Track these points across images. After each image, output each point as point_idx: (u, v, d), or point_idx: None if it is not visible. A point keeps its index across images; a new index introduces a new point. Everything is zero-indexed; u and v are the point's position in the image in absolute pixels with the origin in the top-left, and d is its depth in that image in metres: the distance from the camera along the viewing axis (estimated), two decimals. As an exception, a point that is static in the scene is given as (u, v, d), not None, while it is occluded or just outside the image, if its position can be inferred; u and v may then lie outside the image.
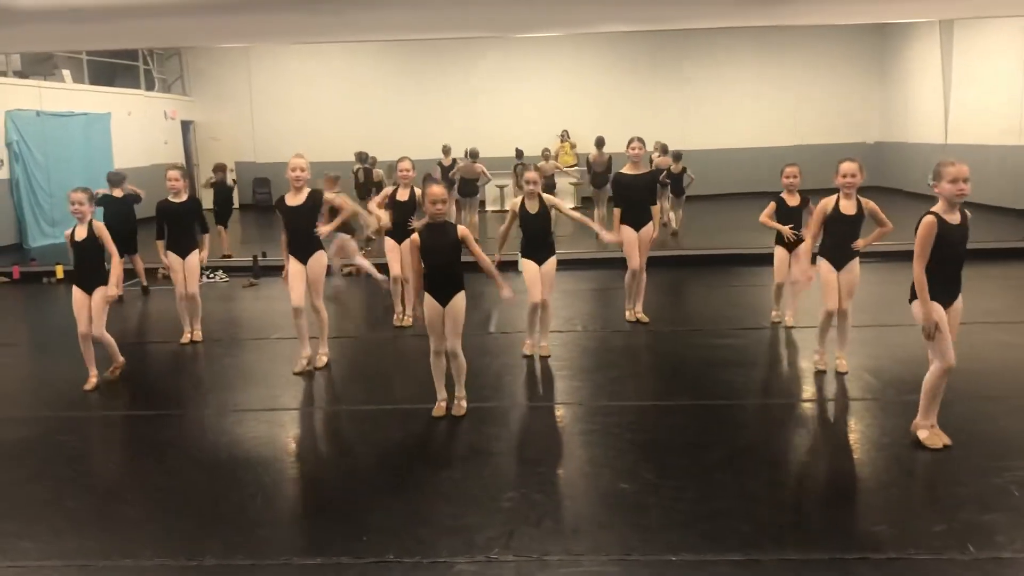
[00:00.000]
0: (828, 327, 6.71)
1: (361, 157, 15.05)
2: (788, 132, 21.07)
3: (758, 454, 5.27)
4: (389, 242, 8.60)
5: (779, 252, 8.04)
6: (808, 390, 6.54)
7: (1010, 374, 6.68)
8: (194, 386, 7.27)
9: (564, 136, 20.30)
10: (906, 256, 5.31)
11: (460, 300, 5.73)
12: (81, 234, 6.81)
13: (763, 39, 20.40)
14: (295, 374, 7.09)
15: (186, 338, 8.35)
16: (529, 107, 21.06)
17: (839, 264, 6.54)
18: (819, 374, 6.70)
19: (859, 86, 21.56)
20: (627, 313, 8.68)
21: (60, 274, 12.25)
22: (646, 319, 8.56)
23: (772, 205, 7.95)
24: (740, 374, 6.89)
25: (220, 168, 14.26)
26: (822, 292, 6.59)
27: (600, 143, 14.93)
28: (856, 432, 5.60)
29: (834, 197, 6.50)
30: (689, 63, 21.18)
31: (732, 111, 21.25)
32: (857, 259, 6.57)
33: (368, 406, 6.40)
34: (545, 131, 20.03)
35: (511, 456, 5.38)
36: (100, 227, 6.84)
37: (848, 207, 6.44)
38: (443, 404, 5.95)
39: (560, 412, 6.18)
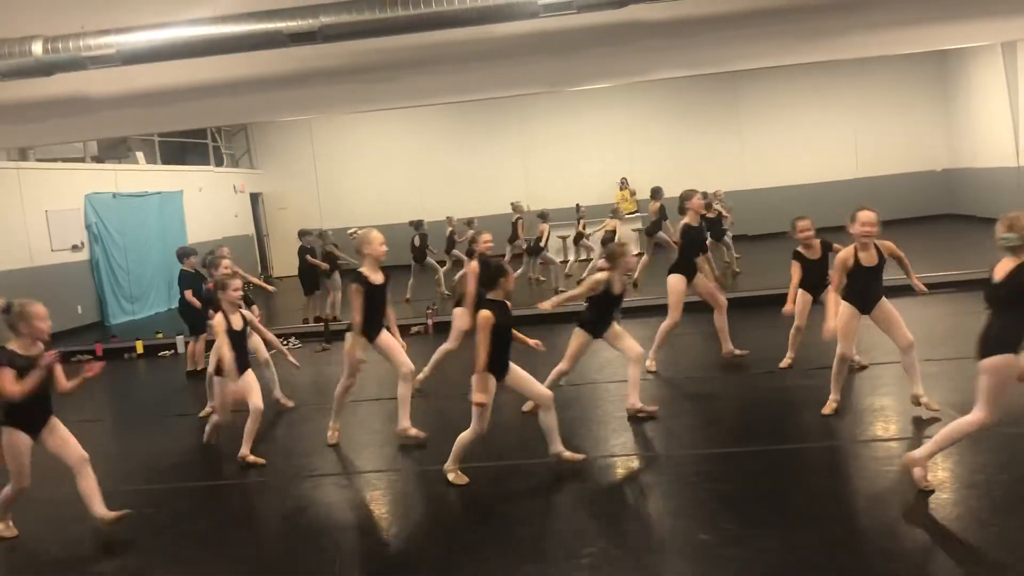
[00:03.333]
0: (843, 372, 6.54)
1: (416, 224, 15.26)
2: (849, 165, 20.78)
3: (840, 499, 5.12)
4: (459, 310, 8.56)
5: (802, 296, 7.87)
6: (889, 428, 6.35)
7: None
8: (273, 452, 7.37)
9: (623, 184, 20.36)
10: (978, 285, 5.15)
11: (515, 368, 5.79)
12: (239, 323, 6.80)
13: (818, 73, 20.24)
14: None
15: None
16: (585, 158, 21.22)
17: (866, 308, 6.35)
18: (899, 413, 6.50)
19: (923, 114, 21.15)
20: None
21: (140, 349, 12.64)
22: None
23: (796, 267, 7.77)
24: (816, 415, 6.73)
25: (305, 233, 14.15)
26: (840, 336, 6.32)
27: (656, 194, 14.77)
28: (944, 470, 5.40)
29: (851, 249, 6.27)
30: (744, 103, 21.16)
31: (790, 148, 21.03)
32: (884, 298, 6.36)
33: (436, 466, 6.41)
34: (603, 181, 20.12)
35: (589, 510, 5.32)
36: (251, 316, 6.97)
37: (868, 258, 6.25)
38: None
39: (636, 463, 6.11)
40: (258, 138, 22.53)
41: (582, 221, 16.30)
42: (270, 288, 12.62)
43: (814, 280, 7.76)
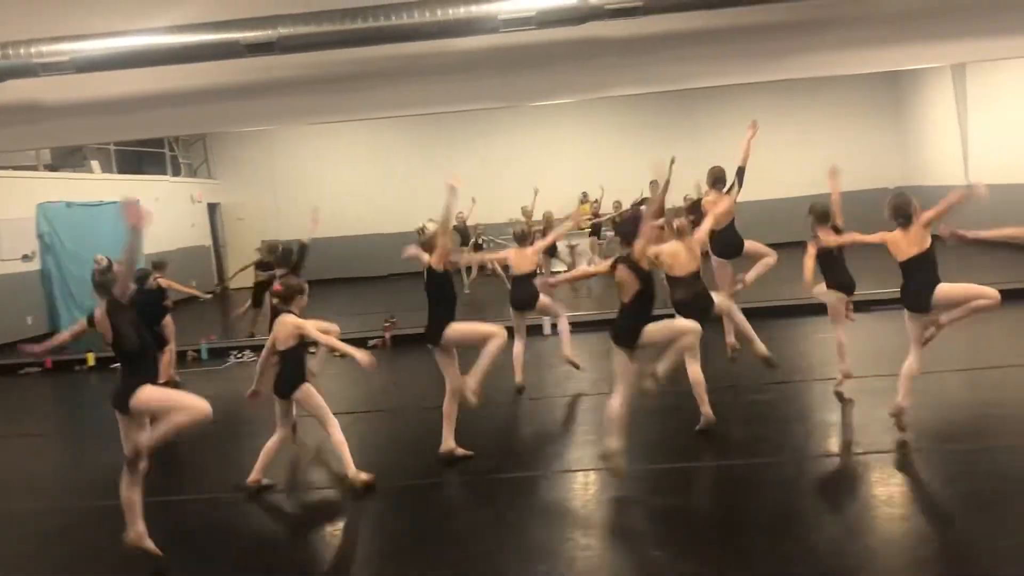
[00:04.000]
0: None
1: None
2: (804, 182, 21.05)
3: (792, 514, 5.17)
4: None
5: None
6: (841, 443, 6.43)
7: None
8: (227, 467, 7.27)
9: (584, 198, 20.44)
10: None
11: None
12: None
13: (774, 92, 20.52)
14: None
15: None
16: (546, 172, 21.25)
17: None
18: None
19: (877, 132, 21.57)
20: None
21: (91, 361, 12.41)
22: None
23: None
24: (772, 431, 6.80)
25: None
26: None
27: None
28: (890, 486, 5.47)
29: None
30: (702, 119, 21.41)
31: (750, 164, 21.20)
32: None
33: (406, 481, 6.36)
34: (562, 195, 20.09)
35: (541, 527, 5.31)
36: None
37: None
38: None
39: (590, 479, 6.11)
40: (216, 148, 22.31)
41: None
42: (203, 296, 12.46)
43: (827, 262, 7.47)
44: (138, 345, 4.99)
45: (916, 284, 5.99)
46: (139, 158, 20.18)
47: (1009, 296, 11.27)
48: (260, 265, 12.87)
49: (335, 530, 5.69)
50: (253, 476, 6.22)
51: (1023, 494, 5.11)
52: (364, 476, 6.01)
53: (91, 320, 5.05)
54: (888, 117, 21.57)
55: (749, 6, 11.22)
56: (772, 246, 8.18)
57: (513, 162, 21.63)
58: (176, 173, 20.87)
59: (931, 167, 19.98)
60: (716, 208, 8.14)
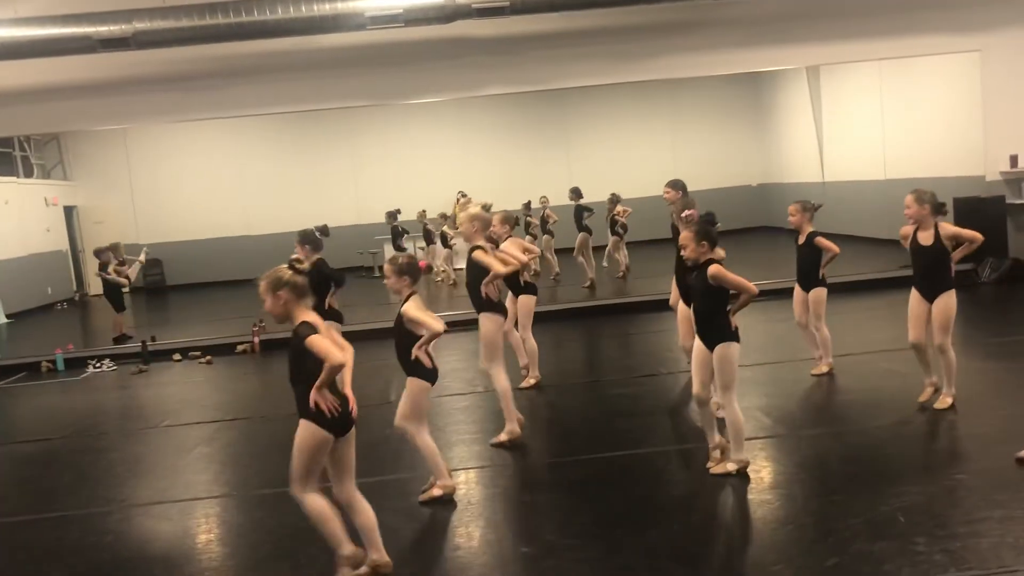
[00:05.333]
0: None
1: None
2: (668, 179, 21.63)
3: (657, 504, 5.28)
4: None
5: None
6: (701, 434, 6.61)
7: (893, 402, 6.88)
8: (81, 482, 6.90)
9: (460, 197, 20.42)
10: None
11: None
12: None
13: (641, 92, 20.85)
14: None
15: None
16: (417, 172, 21.13)
17: (929, 295, 6.45)
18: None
19: (739, 132, 22.37)
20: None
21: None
22: None
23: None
24: (637, 423, 6.95)
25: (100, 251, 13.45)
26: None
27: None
28: (752, 471, 5.66)
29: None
30: (572, 119, 21.70)
31: (615, 163, 21.38)
32: (949, 291, 6.41)
33: (262, 490, 6.18)
34: (434, 196, 19.98)
35: (411, 529, 5.25)
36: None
37: (926, 237, 6.42)
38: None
39: (461, 478, 6.08)
40: (72, 148, 21.21)
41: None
42: None
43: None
44: None
45: None
46: (-15, 158, 19.00)
47: (862, 287, 11.96)
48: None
49: (202, 539, 5.47)
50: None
51: (870, 474, 5.38)
52: None
53: None
54: (750, 118, 22.40)
55: (615, 7, 11.49)
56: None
57: (386, 160, 21.41)
58: (28, 174, 19.73)
59: (790, 165, 20.87)
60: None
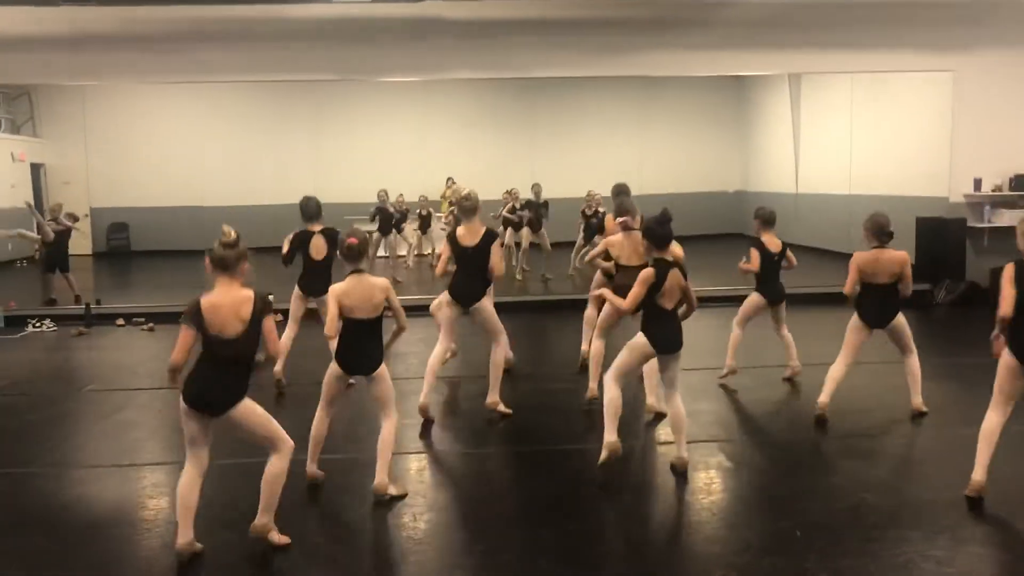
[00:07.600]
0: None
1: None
2: (635, 181, 21.20)
3: (558, 503, 5.16)
4: None
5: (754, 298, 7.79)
6: (628, 429, 6.51)
7: (840, 415, 6.73)
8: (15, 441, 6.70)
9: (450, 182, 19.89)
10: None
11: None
12: None
13: (615, 88, 20.49)
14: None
15: None
16: (377, 152, 20.67)
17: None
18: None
19: (718, 137, 22.19)
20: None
21: None
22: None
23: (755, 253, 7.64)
24: (567, 418, 6.85)
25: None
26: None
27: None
28: (662, 476, 5.57)
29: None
30: (539, 111, 21.14)
31: (580, 160, 20.78)
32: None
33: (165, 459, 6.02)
34: (396, 179, 19.51)
35: (323, 514, 5.12)
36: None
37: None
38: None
39: (409, 463, 5.92)
40: (44, 104, 20.83)
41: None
42: None
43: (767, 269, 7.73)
44: None
45: None
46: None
47: (807, 300, 11.87)
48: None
49: (149, 517, 5.31)
50: None
51: (783, 481, 5.37)
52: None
53: None
54: (731, 123, 22.23)
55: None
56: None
57: (344, 139, 21.02)
58: (-4, 128, 19.43)
59: (767, 174, 20.73)
60: None
